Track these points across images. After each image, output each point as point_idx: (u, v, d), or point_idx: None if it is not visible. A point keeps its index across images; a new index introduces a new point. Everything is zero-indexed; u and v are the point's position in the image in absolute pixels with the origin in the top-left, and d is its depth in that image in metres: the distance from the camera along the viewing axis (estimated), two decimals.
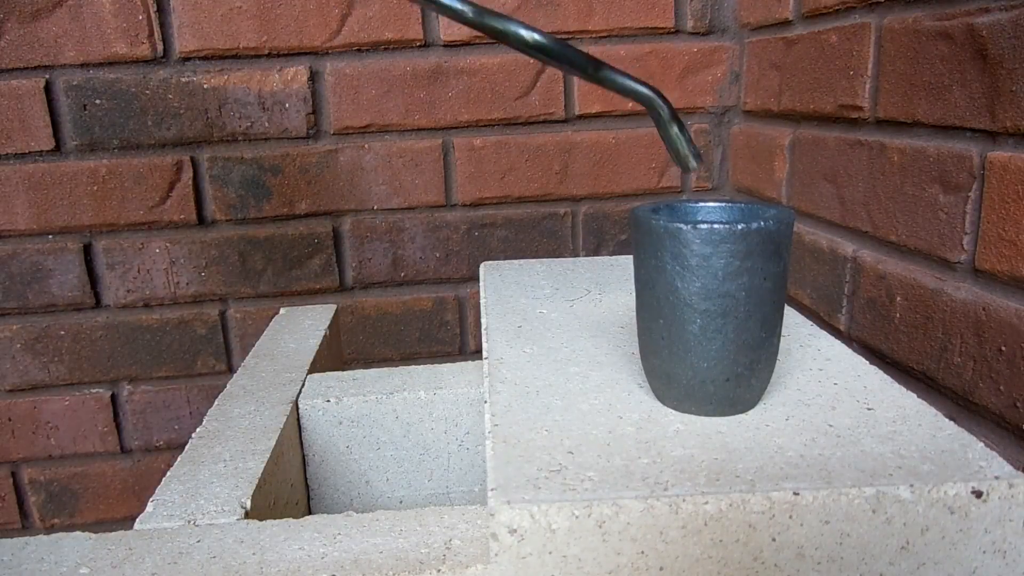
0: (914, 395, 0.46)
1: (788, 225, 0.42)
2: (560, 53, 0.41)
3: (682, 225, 0.41)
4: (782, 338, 0.56)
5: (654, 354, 0.45)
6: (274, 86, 0.89)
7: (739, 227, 0.40)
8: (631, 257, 0.85)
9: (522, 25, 0.40)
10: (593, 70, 0.42)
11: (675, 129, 0.44)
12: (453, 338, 0.99)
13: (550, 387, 0.48)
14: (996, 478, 0.36)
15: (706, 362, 0.43)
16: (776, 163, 0.84)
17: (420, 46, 0.89)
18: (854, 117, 0.67)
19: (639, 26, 0.91)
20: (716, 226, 0.41)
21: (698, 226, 0.41)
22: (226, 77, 0.88)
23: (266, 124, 0.90)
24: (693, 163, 0.44)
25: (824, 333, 0.57)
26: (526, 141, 0.93)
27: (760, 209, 0.47)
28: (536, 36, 0.40)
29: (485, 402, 0.48)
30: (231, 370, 0.97)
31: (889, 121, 0.63)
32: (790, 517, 0.36)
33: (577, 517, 0.36)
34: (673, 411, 0.45)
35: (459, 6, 0.40)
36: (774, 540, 0.36)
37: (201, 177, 0.90)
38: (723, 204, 0.49)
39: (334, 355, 0.80)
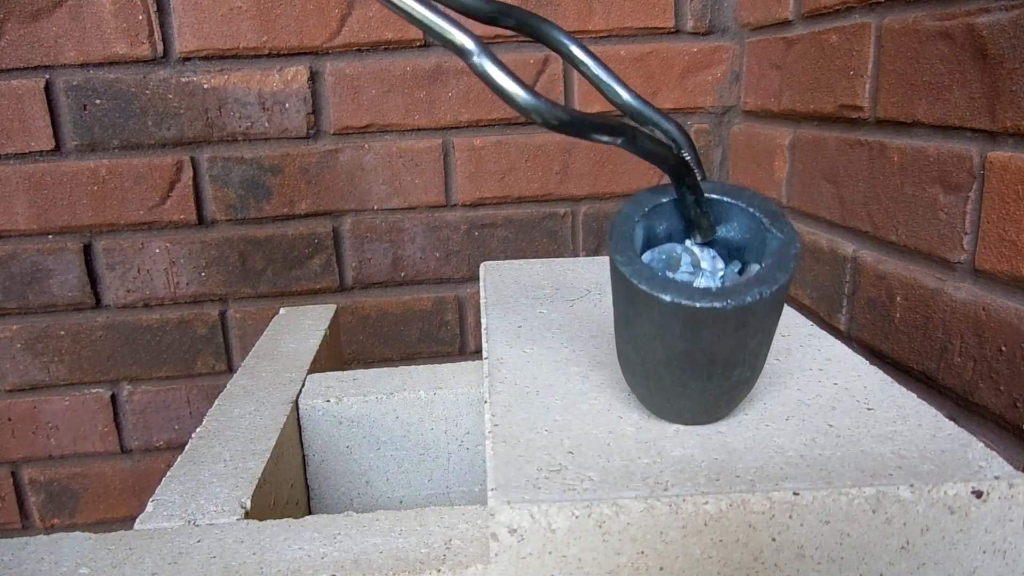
0: (914, 395, 0.46)
1: (788, 282, 0.38)
2: (577, 124, 0.35)
3: (665, 297, 0.37)
4: (782, 338, 0.56)
5: (630, 376, 0.43)
6: (274, 86, 0.89)
7: (731, 304, 0.36)
8: None
9: (548, 105, 0.34)
10: (614, 136, 0.37)
11: (691, 199, 0.41)
12: (453, 338, 0.99)
13: (550, 387, 0.48)
14: (996, 478, 0.36)
15: (686, 402, 0.41)
16: (776, 163, 0.84)
17: (420, 46, 0.89)
18: (854, 117, 0.67)
19: (639, 26, 0.91)
20: (714, 305, 0.36)
21: (680, 303, 0.36)
22: (226, 77, 0.88)
23: (266, 124, 0.90)
24: (700, 237, 0.42)
25: (824, 333, 0.57)
26: (526, 141, 0.93)
27: (766, 223, 0.41)
28: (559, 114, 0.34)
29: (485, 402, 0.48)
30: (231, 370, 0.97)
31: (889, 121, 0.63)
32: (790, 517, 0.36)
33: (577, 517, 0.36)
34: None
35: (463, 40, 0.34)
36: (774, 540, 0.36)
37: (201, 177, 0.90)
38: (727, 201, 0.42)
39: (334, 355, 0.80)
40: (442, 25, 0.34)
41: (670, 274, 0.42)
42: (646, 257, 0.43)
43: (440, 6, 0.34)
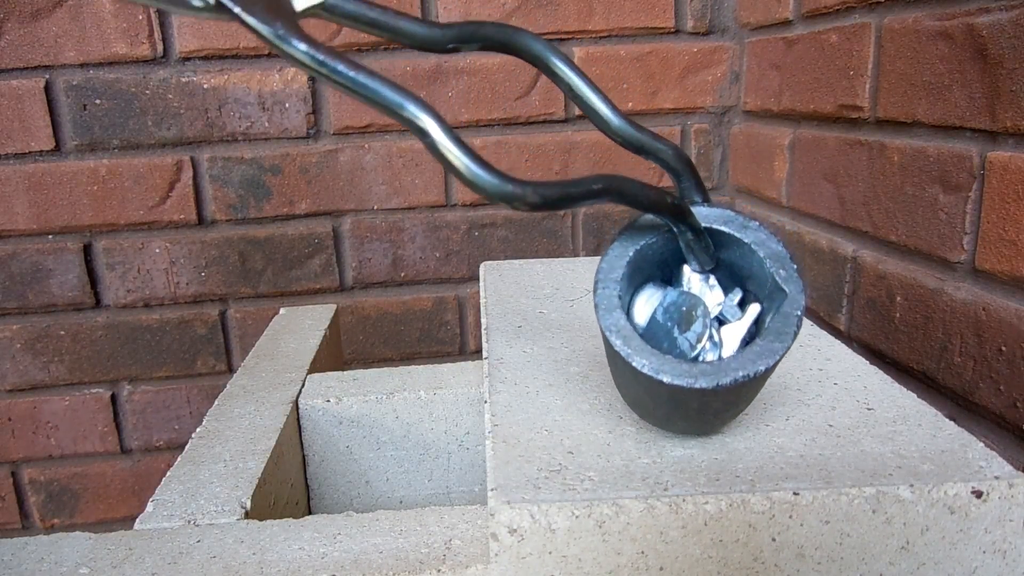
0: (914, 395, 0.46)
1: (785, 351, 0.37)
2: (566, 201, 0.33)
3: (663, 378, 0.36)
4: None
5: (627, 399, 0.42)
6: (274, 86, 0.89)
7: (728, 382, 0.36)
8: None
9: (523, 188, 0.32)
10: (615, 197, 0.35)
11: (690, 236, 0.39)
12: (453, 338, 0.99)
13: (550, 387, 0.48)
14: (996, 478, 0.36)
15: (684, 425, 0.41)
16: (776, 163, 0.84)
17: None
18: (854, 117, 0.67)
19: (639, 26, 0.91)
20: (698, 385, 0.36)
21: (675, 383, 0.36)
22: (226, 77, 0.88)
23: (266, 124, 0.90)
24: (699, 267, 0.41)
25: (824, 333, 0.57)
26: (526, 141, 0.93)
27: (773, 266, 0.39)
28: (533, 198, 0.32)
29: (485, 402, 0.48)
30: (231, 370, 0.97)
31: (889, 121, 0.63)
32: (790, 517, 0.36)
33: (577, 517, 0.36)
34: None
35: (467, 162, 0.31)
36: (774, 540, 0.36)
37: (201, 177, 0.90)
38: (728, 232, 0.40)
39: (334, 355, 0.80)
40: (402, 104, 0.31)
41: (676, 334, 0.40)
42: (658, 312, 0.40)
43: (397, 85, 0.32)
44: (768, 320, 0.39)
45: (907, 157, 0.60)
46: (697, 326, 0.40)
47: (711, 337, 0.40)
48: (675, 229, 0.39)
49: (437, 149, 0.31)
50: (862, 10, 0.65)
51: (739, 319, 0.40)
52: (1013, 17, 0.48)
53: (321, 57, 0.31)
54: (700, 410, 0.38)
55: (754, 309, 0.40)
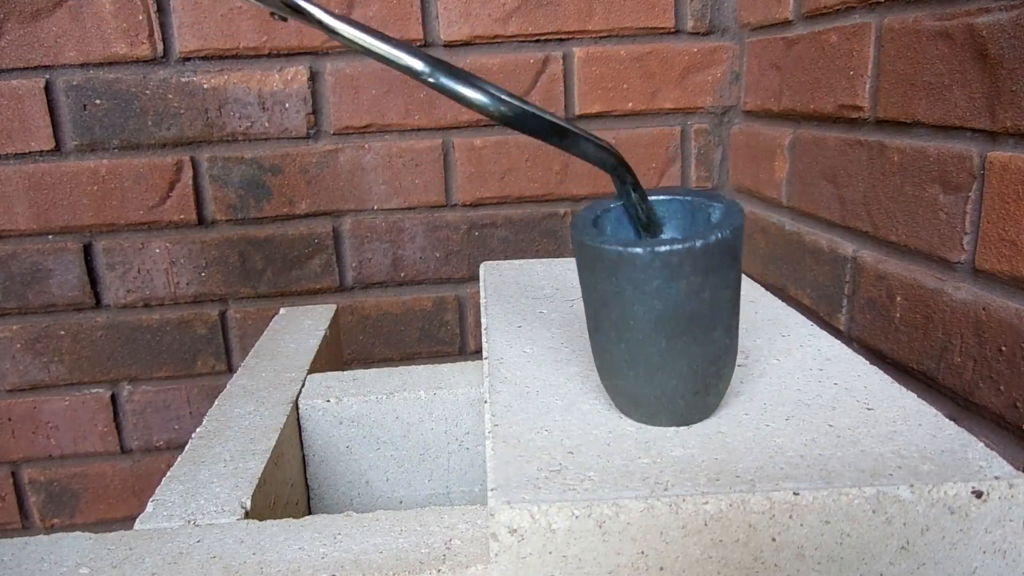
0: (914, 395, 0.46)
1: (742, 227, 0.41)
2: (523, 120, 0.38)
3: (638, 250, 0.38)
4: (782, 338, 0.56)
5: (617, 376, 0.43)
6: (274, 86, 0.89)
7: (698, 244, 0.38)
8: None
9: (495, 100, 0.37)
10: (559, 137, 0.39)
11: (635, 196, 0.43)
12: (453, 338, 0.99)
13: (550, 387, 0.48)
14: (996, 478, 0.36)
15: (674, 380, 0.41)
16: (776, 163, 0.84)
17: (420, 46, 0.89)
18: (854, 117, 0.67)
19: (639, 26, 0.91)
20: (675, 247, 0.38)
21: (656, 250, 0.38)
22: (226, 77, 0.88)
23: (266, 124, 0.90)
24: (645, 235, 0.44)
25: (824, 333, 0.57)
26: (526, 141, 0.93)
27: (705, 203, 0.44)
28: (502, 107, 0.37)
29: (485, 402, 0.48)
30: (231, 370, 0.97)
31: (889, 121, 0.63)
32: (790, 517, 0.36)
33: (577, 517, 0.36)
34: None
35: (413, 62, 0.37)
36: (774, 540, 0.36)
37: (201, 177, 0.90)
38: (664, 199, 0.45)
39: (334, 355, 0.80)
40: (393, 52, 0.36)
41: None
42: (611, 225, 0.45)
43: (389, 37, 0.37)
44: (715, 216, 0.43)
45: (907, 157, 0.60)
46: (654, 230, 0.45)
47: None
48: (622, 191, 0.43)
49: (438, 84, 0.36)
50: (862, 10, 0.65)
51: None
52: (1013, 17, 0.48)
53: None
54: (689, 321, 0.40)
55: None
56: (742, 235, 0.41)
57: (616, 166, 0.41)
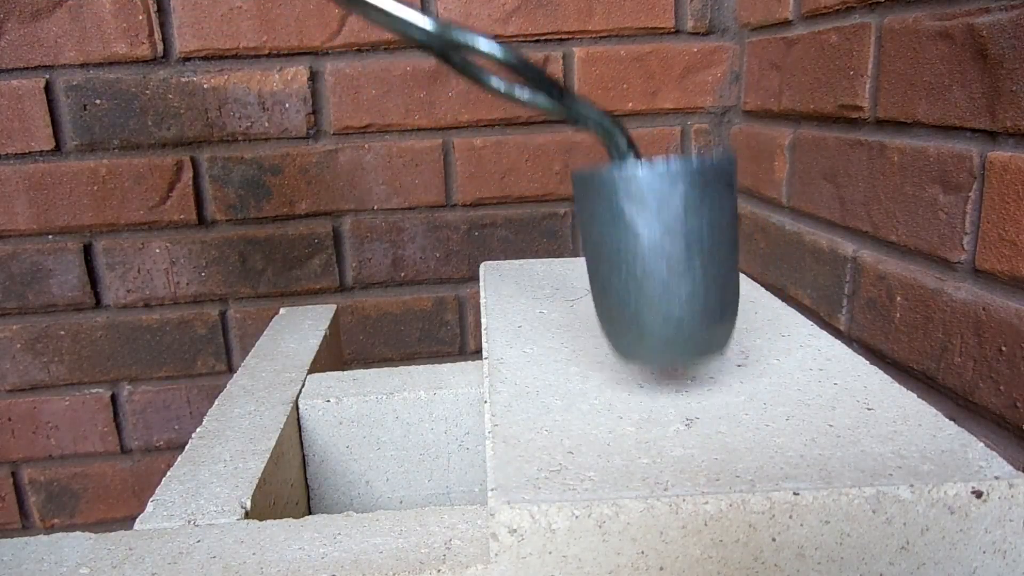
0: (914, 395, 0.46)
1: (733, 160, 0.43)
2: (531, 72, 0.40)
3: (637, 168, 0.41)
4: (782, 338, 0.56)
5: (620, 310, 0.43)
6: (274, 86, 0.89)
7: (694, 162, 0.41)
8: None
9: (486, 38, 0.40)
10: (559, 95, 0.42)
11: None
12: (453, 338, 0.99)
13: (550, 387, 0.48)
14: (996, 478, 0.36)
15: (679, 305, 0.41)
16: (776, 163, 0.84)
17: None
18: (854, 117, 0.67)
19: (639, 26, 0.91)
20: (672, 164, 0.40)
21: (654, 167, 0.40)
22: (226, 77, 0.88)
23: (266, 124, 0.90)
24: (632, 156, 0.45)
25: (824, 333, 0.57)
26: (526, 141, 0.93)
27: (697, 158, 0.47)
28: (505, 52, 0.40)
29: (485, 402, 0.48)
30: (231, 370, 0.97)
31: (889, 121, 0.63)
32: (790, 517, 0.36)
33: (577, 517, 0.36)
34: (671, 405, 0.45)
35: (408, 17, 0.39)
36: (774, 540, 0.36)
37: (201, 177, 0.90)
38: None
39: (334, 355, 0.80)
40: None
41: None
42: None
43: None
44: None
45: (907, 157, 0.60)
46: None
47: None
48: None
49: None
50: (862, 10, 0.65)
51: None
52: (1013, 17, 0.48)
53: None
54: (687, 240, 0.41)
55: None
56: (734, 167, 0.43)
57: (613, 131, 0.44)
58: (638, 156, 0.44)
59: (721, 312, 0.43)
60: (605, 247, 0.43)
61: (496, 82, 0.43)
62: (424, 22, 0.39)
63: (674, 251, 0.41)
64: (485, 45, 0.40)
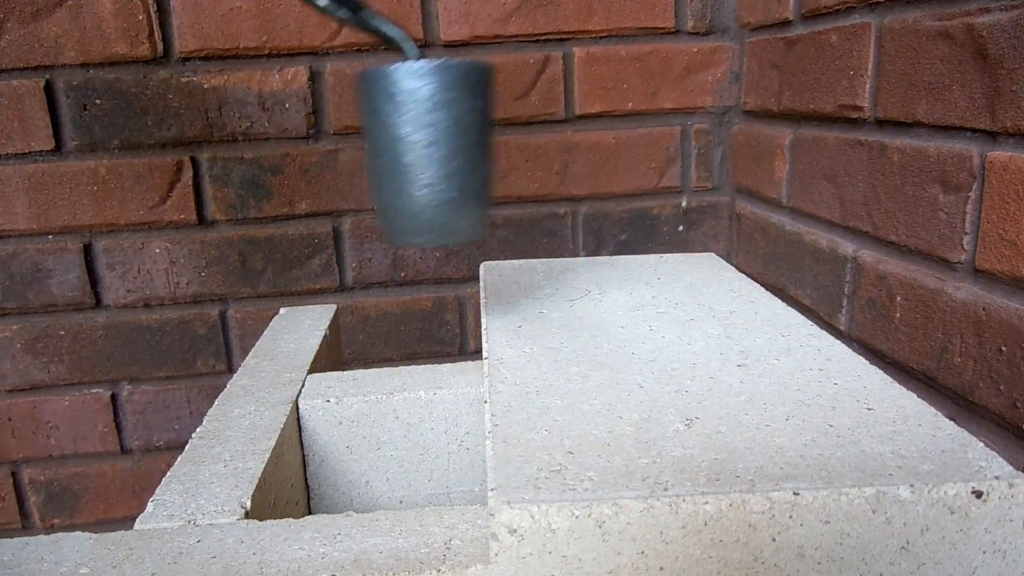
0: (914, 395, 0.46)
1: (485, 68, 0.49)
2: None
3: (389, 66, 0.47)
4: (782, 338, 0.56)
5: (379, 194, 0.51)
6: (274, 86, 0.89)
7: (438, 62, 0.47)
8: (631, 257, 0.85)
9: None
10: (354, 7, 0.48)
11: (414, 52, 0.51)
12: (453, 338, 0.99)
13: (550, 387, 0.48)
14: (996, 478, 0.36)
15: (421, 190, 0.48)
16: (776, 163, 0.84)
17: (420, 46, 0.89)
18: (854, 117, 0.67)
19: (639, 26, 0.91)
20: (419, 63, 0.47)
21: (403, 64, 0.47)
22: (226, 77, 0.88)
23: (266, 124, 0.90)
24: (414, 51, 0.51)
25: (824, 333, 0.57)
26: (526, 141, 0.93)
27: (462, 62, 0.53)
28: None
29: (485, 402, 0.48)
30: (231, 370, 0.97)
31: (889, 121, 0.63)
32: (790, 517, 0.36)
33: (577, 517, 0.36)
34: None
35: None
36: (774, 540, 0.36)
37: (201, 177, 0.90)
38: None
39: (334, 355, 0.80)
40: None
41: None
42: None
43: None
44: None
45: (907, 157, 0.60)
46: None
47: None
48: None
49: None
50: (862, 10, 0.65)
51: None
52: (1013, 17, 0.48)
53: None
54: (426, 127, 0.47)
55: None
56: (486, 73, 0.50)
57: (404, 38, 0.51)
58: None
59: (463, 200, 0.49)
60: (369, 136, 0.49)
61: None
62: None
63: (418, 141, 0.47)
64: None
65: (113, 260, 0.92)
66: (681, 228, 0.98)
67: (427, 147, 0.47)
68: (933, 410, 0.43)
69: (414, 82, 0.47)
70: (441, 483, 0.63)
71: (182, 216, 0.91)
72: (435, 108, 0.47)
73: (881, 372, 0.49)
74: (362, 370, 0.66)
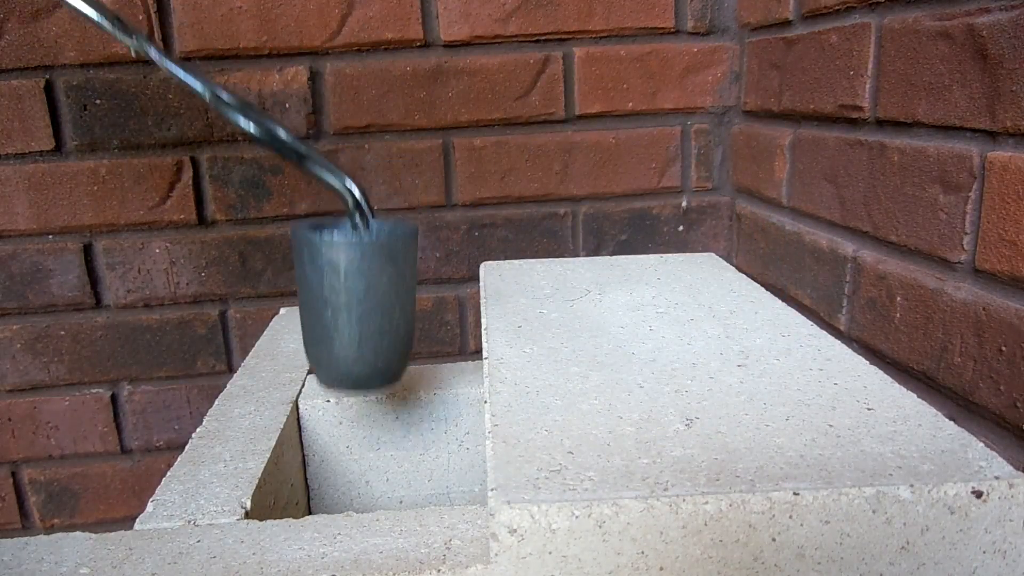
0: (914, 395, 0.46)
1: (401, 237, 0.53)
2: (271, 141, 0.51)
3: (314, 236, 0.51)
4: (782, 338, 0.56)
5: (305, 341, 0.54)
6: (274, 86, 0.89)
7: (354, 239, 0.51)
8: (631, 257, 0.85)
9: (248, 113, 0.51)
10: (299, 160, 0.51)
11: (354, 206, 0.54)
12: (453, 338, 0.99)
13: (550, 387, 0.48)
14: (996, 478, 0.36)
15: (337, 345, 0.51)
16: (776, 163, 0.84)
17: (420, 46, 0.89)
18: (854, 117, 0.67)
19: (639, 26, 0.91)
20: (337, 238, 0.51)
21: (323, 236, 0.51)
22: (226, 77, 0.88)
23: None
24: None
25: (824, 333, 0.57)
26: (526, 141, 0.93)
27: (390, 226, 0.56)
28: (251, 128, 0.51)
29: (485, 402, 0.48)
30: (231, 370, 0.97)
31: (889, 121, 0.63)
32: (790, 517, 0.36)
33: (577, 517, 0.36)
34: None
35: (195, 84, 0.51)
36: (774, 540, 0.36)
37: (201, 177, 0.90)
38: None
39: None
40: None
41: None
42: None
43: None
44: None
45: (907, 157, 0.60)
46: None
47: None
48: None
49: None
50: (862, 10, 0.65)
51: None
52: (1013, 17, 0.48)
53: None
54: (335, 295, 0.51)
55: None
56: (401, 244, 0.53)
57: (343, 190, 0.53)
58: (365, 216, 0.53)
59: (375, 358, 0.52)
60: (301, 289, 0.53)
61: (245, 124, 0.52)
62: (202, 87, 0.52)
63: (336, 304, 0.51)
64: (243, 123, 0.51)
65: (113, 260, 0.92)
66: (681, 228, 0.98)
67: (344, 309, 0.51)
68: (933, 410, 0.43)
69: (335, 253, 0.50)
70: (441, 483, 0.63)
71: (182, 216, 0.91)
72: (353, 276, 0.50)
73: (881, 372, 0.49)
74: None
